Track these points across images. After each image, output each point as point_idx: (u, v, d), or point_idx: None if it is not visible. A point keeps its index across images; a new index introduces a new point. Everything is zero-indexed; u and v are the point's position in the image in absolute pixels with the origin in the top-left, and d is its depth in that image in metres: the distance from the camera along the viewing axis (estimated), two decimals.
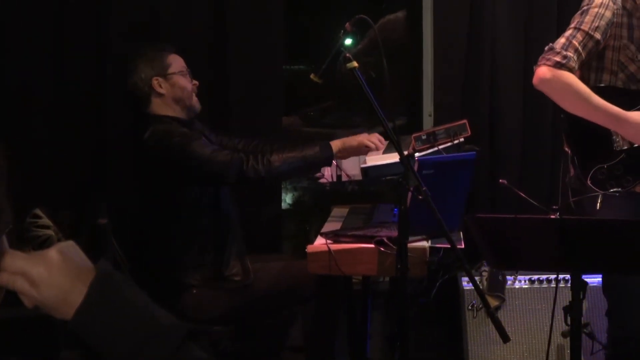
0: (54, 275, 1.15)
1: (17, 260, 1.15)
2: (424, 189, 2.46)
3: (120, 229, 3.41)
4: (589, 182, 3.02)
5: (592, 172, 3.03)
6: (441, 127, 3.21)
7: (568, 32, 3.06)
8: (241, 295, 3.20)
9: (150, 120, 3.24)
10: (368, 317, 3.70)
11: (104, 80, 3.74)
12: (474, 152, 2.95)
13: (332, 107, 4.67)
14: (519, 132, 4.01)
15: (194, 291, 3.16)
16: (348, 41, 2.74)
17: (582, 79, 3.10)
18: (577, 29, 3.04)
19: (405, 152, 2.63)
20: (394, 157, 2.81)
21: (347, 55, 2.67)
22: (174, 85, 3.27)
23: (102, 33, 3.72)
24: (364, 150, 3.25)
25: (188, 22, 3.80)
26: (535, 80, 3.07)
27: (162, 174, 3.16)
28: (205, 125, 3.43)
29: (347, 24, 2.73)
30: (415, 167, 2.59)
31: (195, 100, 3.32)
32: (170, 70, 3.27)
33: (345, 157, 3.30)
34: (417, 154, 2.97)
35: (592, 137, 3.07)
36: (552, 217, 2.65)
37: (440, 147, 3.10)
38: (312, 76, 2.78)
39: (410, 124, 4.32)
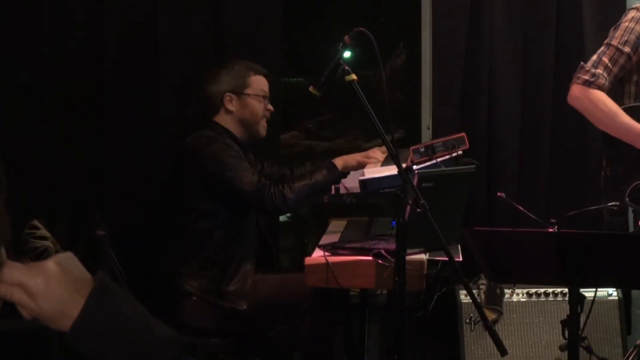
0: (52, 286, 1.14)
1: (15, 271, 1.15)
2: (422, 201, 2.46)
3: (121, 230, 3.44)
4: (627, 199, 3.05)
5: (630, 189, 3.05)
6: (439, 140, 3.21)
7: (600, 49, 3.13)
8: (237, 309, 3.20)
9: (208, 125, 3.28)
10: (365, 330, 3.69)
11: (101, 91, 3.75)
12: (474, 166, 2.96)
13: (331, 120, 4.68)
14: (517, 146, 4.02)
15: (194, 298, 3.16)
16: (347, 54, 2.75)
17: (624, 92, 3.14)
18: (608, 44, 3.10)
19: (404, 165, 2.63)
20: (392, 170, 2.81)
21: (346, 67, 2.68)
22: (245, 106, 3.29)
23: (100, 36, 3.74)
24: (363, 165, 3.29)
25: (186, 38, 3.81)
26: (568, 99, 3.16)
27: (190, 176, 3.20)
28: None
29: (346, 37, 2.73)
30: (415, 180, 2.59)
31: (262, 126, 3.34)
32: (247, 91, 3.29)
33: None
34: (415, 167, 2.97)
35: (633, 154, 3.09)
36: (550, 230, 2.66)
37: (439, 160, 3.10)
38: (311, 88, 2.78)
39: (409, 136, 4.32)
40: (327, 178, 3.20)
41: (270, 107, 3.36)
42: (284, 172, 3.56)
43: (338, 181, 3.28)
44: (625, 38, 3.07)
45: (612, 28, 3.15)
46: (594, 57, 3.12)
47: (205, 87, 3.32)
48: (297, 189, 3.13)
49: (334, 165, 3.23)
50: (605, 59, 3.08)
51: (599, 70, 3.06)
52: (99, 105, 3.76)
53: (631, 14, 3.11)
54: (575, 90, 3.11)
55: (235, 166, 3.13)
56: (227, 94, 3.28)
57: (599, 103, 3.06)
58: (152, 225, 3.65)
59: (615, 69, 3.08)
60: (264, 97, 3.33)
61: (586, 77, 3.07)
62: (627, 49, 3.07)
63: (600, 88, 3.06)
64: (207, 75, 3.34)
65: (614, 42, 3.08)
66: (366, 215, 3.66)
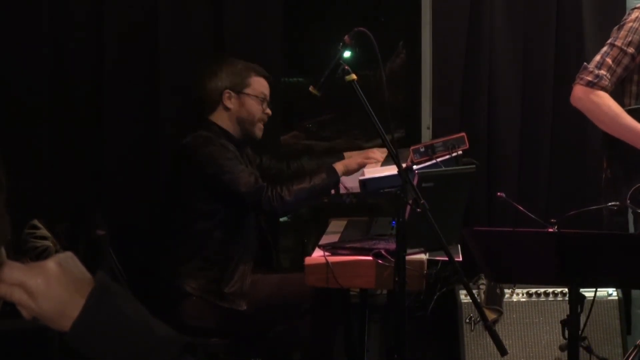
0: (52, 286, 1.14)
1: (15, 271, 1.15)
2: (422, 201, 2.46)
3: (121, 230, 3.44)
4: (628, 201, 3.04)
5: (631, 191, 3.04)
6: (439, 139, 3.21)
7: (603, 49, 3.11)
8: (237, 309, 3.20)
9: (204, 125, 3.27)
10: (365, 330, 3.69)
11: (101, 91, 3.75)
12: (474, 166, 2.96)
13: (331, 120, 4.67)
14: (517, 146, 4.02)
15: (194, 298, 3.17)
16: (347, 54, 2.75)
17: (625, 92, 3.14)
18: (612, 45, 3.08)
19: (404, 165, 2.63)
20: (392, 170, 2.82)
21: (346, 67, 2.68)
22: (243, 105, 3.29)
23: (100, 36, 3.74)
24: (363, 166, 3.30)
25: (186, 38, 3.81)
26: (570, 99, 3.15)
27: (189, 177, 3.20)
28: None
29: (346, 37, 2.73)
30: (415, 180, 2.59)
31: (258, 128, 3.34)
32: (247, 91, 3.29)
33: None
34: (415, 167, 2.97)
35: (633, 155, 3.09)
36: (550, 230, 2.65)
37: (439, 160, 3.10)
38: (311, 88, 2.78)
39: (409, 136, 4.32)
40: (326, 182, 3.21)
41: (268, 110, 3.36)
42: (282, 167, 3.57)
43: (337, 185, 3.29)
44: (630, 39, 3.06)
45: (616, 28, 3.13)
46: (597, 58, 3.10)
47: (204, 83, 3.31)
48: (295, 192, 3.13)
49: (334, 170, 3.23)
50: (609, 60, 3.06)
51: (602, 72, 3.05)
52: (99, 105, 3.76)
53: (635, 14, 3.10)
54: (578, 91, 3.10)
55: (232, 168, 3.13)
56: (227, 90, 3.27)
57: (602, 105, 3.05)
58: (152, 225, 3.65)
59: (618, 70, 3.06)
60: (263, 99, 3.32)
61: (589, 78, 3.06)
62: (630, 50, 3.05)
63: (603, 89, 3.05)
64: (207, 71, 3.33)
65: (618, 43, 3.07)
66: (366, 215, 3.66)
